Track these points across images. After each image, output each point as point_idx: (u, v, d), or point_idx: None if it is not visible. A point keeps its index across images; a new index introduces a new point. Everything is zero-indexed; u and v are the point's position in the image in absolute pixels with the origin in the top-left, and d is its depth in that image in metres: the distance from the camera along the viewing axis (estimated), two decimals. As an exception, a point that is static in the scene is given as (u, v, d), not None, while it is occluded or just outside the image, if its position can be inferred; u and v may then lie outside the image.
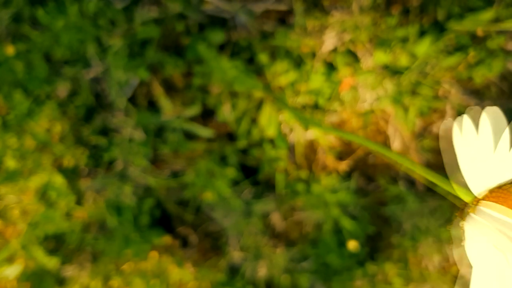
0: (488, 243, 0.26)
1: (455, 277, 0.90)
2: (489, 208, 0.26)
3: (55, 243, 0.88)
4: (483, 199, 0.26)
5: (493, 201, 0.26)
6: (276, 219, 0.88)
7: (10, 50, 0.77)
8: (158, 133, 0.82)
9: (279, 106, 0.79)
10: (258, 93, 0.80)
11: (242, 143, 0.83)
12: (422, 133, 0.83)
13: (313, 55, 0.78)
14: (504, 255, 0.26)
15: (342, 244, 0.86)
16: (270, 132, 0.80)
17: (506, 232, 0.25)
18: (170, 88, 0.82)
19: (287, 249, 0.88)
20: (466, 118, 0.25)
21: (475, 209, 0.26)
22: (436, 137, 0.84)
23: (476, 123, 0.26)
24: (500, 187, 0.27)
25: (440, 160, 0.85)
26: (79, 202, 0.85)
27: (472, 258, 0.26)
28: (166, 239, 0.88)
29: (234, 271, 0.90)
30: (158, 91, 0.80)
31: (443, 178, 0.29)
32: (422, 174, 0.30)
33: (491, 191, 0.27)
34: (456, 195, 0.28)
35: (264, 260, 0.88)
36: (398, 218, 0.87)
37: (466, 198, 0.27)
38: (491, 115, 0.26)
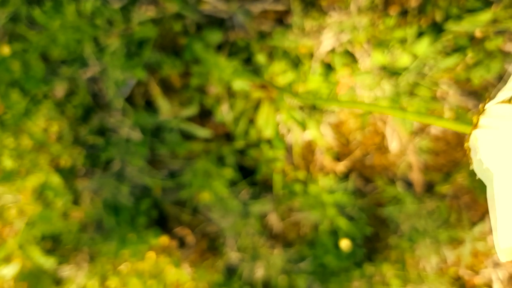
0: (501, 142, 0.26)
1: (452, 279, 0.90)
2: (497, 110, 0.26)
3: (52, 243, 0.88)
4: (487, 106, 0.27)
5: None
6: (274, 219, 0.88)
7: (6, 50, 0.76)
8: (156, 133, 0.82)
9: (281, 100, 0.79)
10: (256, 93, 0.80)
11: (239, 144, 0.83)
12: (420, 134, 0.83)
13: (311, 55, 0.78)
14: None
15: (339, 245, 0.86)
16: (268, 132, 0.80)
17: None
18: (167, 88, 0.81)
19: (284, 250, 0.88)
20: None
21: (477, 125, 0.26)
22: (434, 138, 0.84)
23: None
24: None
25: (438, 161, 0.85)
26: (76, 202, 0.85)
27: (490, 164, 0.26)
28: (163, 239, 0.88)
29: (231, 271, 0.90)
30: (155, 91, 0.80)
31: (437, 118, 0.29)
32: (429, 121, 0.30)
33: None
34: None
35: (261, 261, 0.88)
36: (395, 219, 0.87)
37: (466, 129, 0.27)
38: None
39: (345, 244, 0.85)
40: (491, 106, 0.26)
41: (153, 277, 0.89)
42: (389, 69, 0.77)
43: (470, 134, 0.27)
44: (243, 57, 0.79)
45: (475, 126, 0.27)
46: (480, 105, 0.26)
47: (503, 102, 0.27)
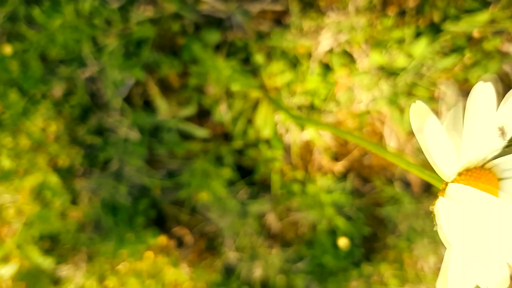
0: (458, 224, 0.26)
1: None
2: (457, 189, 0.26)
3: (50, 243, 0.88)
4: (453, 181, 0.27)
5: (463, 183, 0.27)
6: (272, 219, 0.88)
7: (8, 49, 0.76)
8: (154, 133, 0.82)
9: (274, 106, 0.79)
10: (254, 93, 0.80)
11: (238, 144, 0.83)
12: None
13: (309, 55, 0.78)
14: (472, 230, 0.26)
15: (337, 244, 0.86)
16: (266, 132, 0.80)
17: (473, 210, 0.25)
18: (165, 88, 0.81)
19: (282, 250, 0.88)
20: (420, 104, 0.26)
21: (444, 192, 0.27)
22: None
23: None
24: (469, 169, 0.27)
25: (435, 161, 0.85)
26: (74, 201, 0.85)
27: (444, 238, 0.27)
28: (162, 239, 0.88)
29: (229, 271, 0.90)
30: (153, 91, 0.80)
31: (421, 168, 0.30)
32: (405, 167, 0.31)
33: (461, 173, 0.27)
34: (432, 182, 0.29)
35: (259, 260, 0.88)
36: (393, 219, 0.87)
37: (439, 184, 0.28)
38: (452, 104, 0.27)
39: (343, 242, 0.85)
40: (453, 186, 0.27)
41: (151, 276, 0.89)
42: (387, 69, 0.77)
43: (436, 199, 0.27)
44: (241, 57, 0.79)
45: (442, 192, 0.27)
46: (452, 174, 0.27)
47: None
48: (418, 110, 0.26)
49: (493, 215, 0.25)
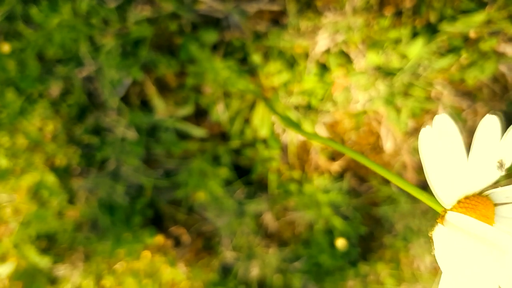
0: (455, 251, 0.26)
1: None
2: (455, 218, 0.26)
3: (47, 242, 0.88)
4: (452, 209, 0.27)
5: (461, 211, 0.27)
6: (269, 219, 0.88)
7: (6, 47, 0.76)
8: (151, 132, 0.82)
9: (270, 110, 0.79)
10: (250, 95, 0.80)
11: (235, 143, 0.83)
12: (414, 134, 0.83)
13: (306, 55, 0.78)
14: (470, 261, 0.26)
15: (334, 244, 0.86)
16: (263, 132, 0.80)
17: (471, 240, 0.25)
18: (163, 87, 0.82)
19: (279, 249, 0.88)
20: (429, 129, 0.26)
21: (443, 219, 0.27)
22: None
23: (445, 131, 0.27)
24: (467, 197, 0.28)
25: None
26: (71, 201, 0.85)
27: (441, 266, 0.27)
28: (159, 238, 0.88)
29: (226, 271, 0.90)
30: (151, 90, 0.80)
31: (421, 192, 0.30)
32: (403, 187, 0.31)
33: (460, 201, 0.27)
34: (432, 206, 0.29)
35: (256, 260, 0.88)
36: (390, 218, 0.87)
37: (438, 208, 0.28)
38: (443, 124, 0.27)
39: (341, 243, 0.85)
40: (451, 215, 0.27)
41: (148, 276, 0.89)
42: (384, 70, 0.77)
43: (435, 225, 0.28)
44: (239, 57, 0.79)
45: (440, 218, 0.27)
46: (450, 203, 0.27)
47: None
48: (426, 137, 0.26)
49: (488, 244, 0.25)
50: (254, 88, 0.78)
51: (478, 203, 0.28)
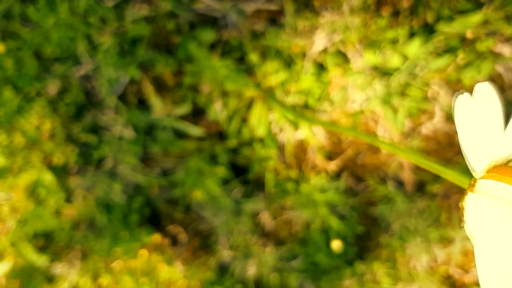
0: (487, 219, 0.27)
1: (442, 277, 0.90)
2: (486, 186, 0.27)
3: (45, 241, 0.88)
4: (481, 178, 0.27)
5: (490, 179, 0.27)
6: (266, 218, 0.88)
7: (1, 47, 0.76)
8: (148, 131, 0.82)
9: (270, 102, 0.79)
10: (248, 92, 0.80)
11: (232, 142, 0.83)
12: (411, 134, 0.84)
13: (304, 55, 0.78)
14: (503, 228, 0.27)
15: (331, 247, 0.87)
16: (260, 131, 0.81)
17: (503, 206, 0.26)
18: (160, 86, 0.82)
19: (276, 248, 0.88)
20: (465, 96, 0.26)
21: (473, 188, 0.27)
22: (425, 138, 0.84)
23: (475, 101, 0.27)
24: (495, 167, 0.28)
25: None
26: (68, 199, 0.85)
27: (474, 236, 0.27)
28: (156, 237, 0.89)
29: (223, 269, 0.90)
30: (148, 89, 0.80)
31: (440, 165, 0.30)
32: (419, 162, 0.31)
33: (488, 171, 0.28)
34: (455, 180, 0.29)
35: (253, 259, 0.88)
36: (386, 218, 0.87)
37: (464, 182, 0.28)
38: (484, 92, 0.27)
39: (336, 245, 0.85)
40: (481, 183, 0.27)
41: (145, 275, 0.89)
42: (381, 69, 0.78)
43: (465, 195, 0.28)
44: (236, 56, 0.79)
45: (471, 187, 0.27)
46: (481, 170, 0.27)
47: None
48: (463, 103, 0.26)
49: None
50: (253, 84, 0.78)
51: (506, 172, 0.28)
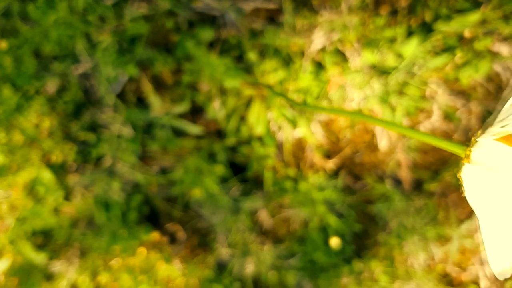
0: (486, 183, 0.27)
1: (440, 275, 0.91)
2: (487, 145, 0.26)
3: (43, 238, 0.88)
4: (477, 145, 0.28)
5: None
6: (264, 216, 0.88)
7: (3, 44, 0.76)
8: (147, 129, 0.82)
9: (270, 96, 0.80)
10: (247, 91, 0.80)
11: (231, 141, 0.83)
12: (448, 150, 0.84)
13: (302, 54, 0.79)
14: (502, 195, 0.26)
15: (328, 243, 0.87)
16: (259, 130, 0.81)
17: (502, 172, 0.26)
18: (159, 85, 0.82)
19: (274, 246, 0.89)
20: None
21: (469, 159, 0.27)
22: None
23: None
24: (495, 134, 0.28)
25: (426, 159, 0.86)
26: (67, 197, 0.85)
27: (474, 204, 0.27)
28: (154, 235, 0.89)
29: (221, 267, 0.90)
30: (147, 87, 0.81)
31: (435, 137, 0.30)
32: (417, 137, 0.31)
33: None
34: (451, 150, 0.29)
35: (251, 256, 0.88)
36: (384, 216, 0.87)
37: (461, 152, 0.28)
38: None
39: (335, 242, 0.86)
40: (484, 140, 0.27)
41: (144, 272, 0.89)
42: (379, 68, 0.78)
43: (462, 164, 0.28)
44: (235, 54, 0.79)
45: (467, 158, 0.27)
46: (473, 138, 0.27)
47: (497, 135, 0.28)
48: None
49: None
50: (252, 80, 0.78)
51: (507, 139, 0.28)
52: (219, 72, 0.77)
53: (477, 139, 0.27)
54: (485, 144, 0.27)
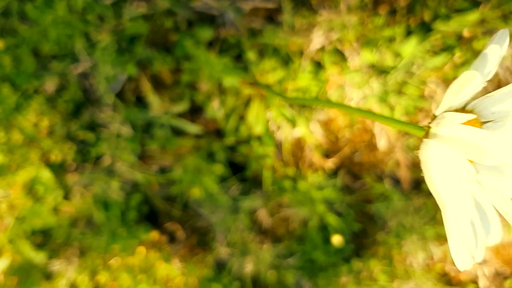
0: (443, 164, 0.27)
1: (439, 274, 0.91)
2: (445, 118, 0.26)
3: (43, 238, 0.89)
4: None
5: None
6: (263, 215, 0.88)
7: (0, 44, 0.76)
8: (146, 129, 0.82)
9: (268, 95, 0.80)
10: (246, 90, 0.80)
11: (230, 140, 0.83)
12: (408, 132, 0.84)
13: (301, 53, 0.79)
14: (459, 171, 0.26)
15: (328, 240, 0.87)
16: (258, 129, 0.81)
17: (459, 149, 0.25)
18: (158, 84, 0.82)
19: (273, 245, 0.89)
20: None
21: (428, 135, 0.27)
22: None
23: None
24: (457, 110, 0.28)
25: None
26: (66, 197, 0.85)
27: (432, 184, 0.27)
28: (154, 234, 0.89)
29: (221, 266, 0.90)
30: (146, 87, 0.81)
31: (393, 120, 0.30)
32: (371, 117, 0.31)
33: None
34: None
35: (250, 256, 0.88)
36: (383, 215, 0.88)
37: (418, 132, 0.28)
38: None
39: (337, 239, 0.86)
40: (442, 114, 0.27)
41: (143, 271, 0.89)
42: (378, 68, 0.78)
43: (421, 143, 0.28)
44: (234, 54, 0.79)
45: (426, 135, 0.27)
46: (431, 113, 0.27)
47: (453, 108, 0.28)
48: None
49: (475, 148, 0.25)
50: (251, 79, 0.78)
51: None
52: (218, 71, 0.77)
53: (436, 114, 0.27)
54: (445, 118, 0.27)
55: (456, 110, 0.28)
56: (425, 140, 0.28)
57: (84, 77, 0.80)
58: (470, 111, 0.29)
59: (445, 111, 0.28)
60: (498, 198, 0.28)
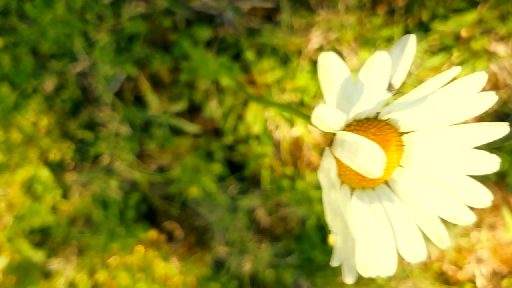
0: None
1: (436, 274, 0.91)
2: (341, 137, 0.26)
3: (41, 237, 0.89)
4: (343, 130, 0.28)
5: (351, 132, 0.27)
6: (261, 214, 0.89)
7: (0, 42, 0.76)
8: (145, 128, 0.82)
9: (260, 102, 0.80)
10: (242, 93, 0.80)
11: (228, 139, 0.84)
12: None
13: (299, 53, 0.79)
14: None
15: (326, 240, 0.87)
16: (256, 128, 0.81)
17: (352, 158, 0.25)
18: (157, 83, 0.82)
19: (271, 244, 0.89)
20: (332, 55, 0.26)
21: (332, 142, 0.28)
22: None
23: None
24: (360, 121, 0.28)
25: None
26: (65, 195, 0.85)
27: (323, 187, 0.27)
28: (152, 233, 0.89)
29: (219, 265, 0.91)
30: (145, 86, 0.81)
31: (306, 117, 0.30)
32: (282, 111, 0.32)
33: (350, 125, 0.28)
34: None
35: (249, 255, 0.89)
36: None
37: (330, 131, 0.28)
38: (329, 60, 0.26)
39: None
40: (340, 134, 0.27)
41: (141, 270, 0.90)
42: (376, 68, 0.78)
43: (327, 146, 0.28)
44: (232, 53, 0.79)
45: (331, 143, 0.27)
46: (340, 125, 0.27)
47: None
48: (326, 61, 0.26)
49: (363, 157, 0.25)
50: (239, 86, 0.78)
51: (371, 126, 0.28)
52: (217, 71, 0.78)
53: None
54: (342, 134, 0.26)
55: (367, 118, 0.28)
56: (326, 148, 0.28)
57: (83, 76, 0.80)
58: (385, 121, 0.29)
59: (353, 118, 0.28)
60: (423, 216, 0.29)
